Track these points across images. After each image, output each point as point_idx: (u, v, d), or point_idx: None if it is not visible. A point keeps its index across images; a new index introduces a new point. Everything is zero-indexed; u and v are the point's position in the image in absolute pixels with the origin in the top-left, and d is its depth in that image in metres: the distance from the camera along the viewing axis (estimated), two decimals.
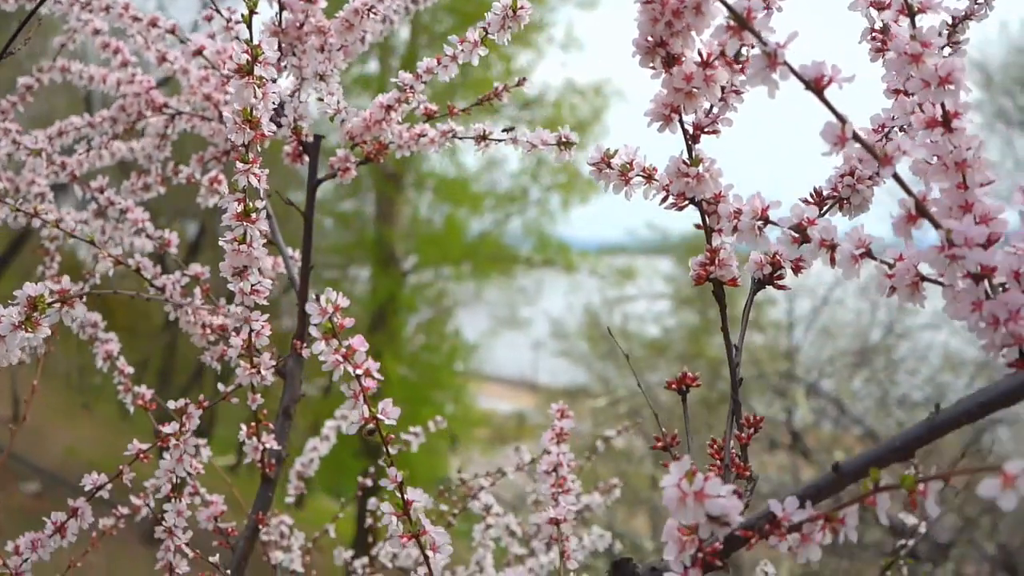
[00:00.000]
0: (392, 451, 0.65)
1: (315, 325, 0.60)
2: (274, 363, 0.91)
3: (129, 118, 1.18)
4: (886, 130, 0.69)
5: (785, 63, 0.50)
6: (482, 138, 0.95)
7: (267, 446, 0.96)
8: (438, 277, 11.77)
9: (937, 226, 0.51)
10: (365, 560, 1.42)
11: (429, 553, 0.64)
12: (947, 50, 0.72)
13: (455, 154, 11.63)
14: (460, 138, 0.97)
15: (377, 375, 0.62)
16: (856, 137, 0.50)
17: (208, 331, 1.01)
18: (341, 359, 0.61)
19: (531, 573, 1.30)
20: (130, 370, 1.10)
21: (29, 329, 0.68)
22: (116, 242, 1.25)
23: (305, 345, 0.96)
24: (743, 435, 0.63)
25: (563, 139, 0.84)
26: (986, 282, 0.52)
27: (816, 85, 0.50)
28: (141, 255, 1.02)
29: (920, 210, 0.51)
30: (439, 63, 0.92)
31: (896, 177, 0.51)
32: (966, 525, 6.04)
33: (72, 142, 1.26)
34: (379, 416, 0.63)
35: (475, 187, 11.69)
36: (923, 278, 0.54)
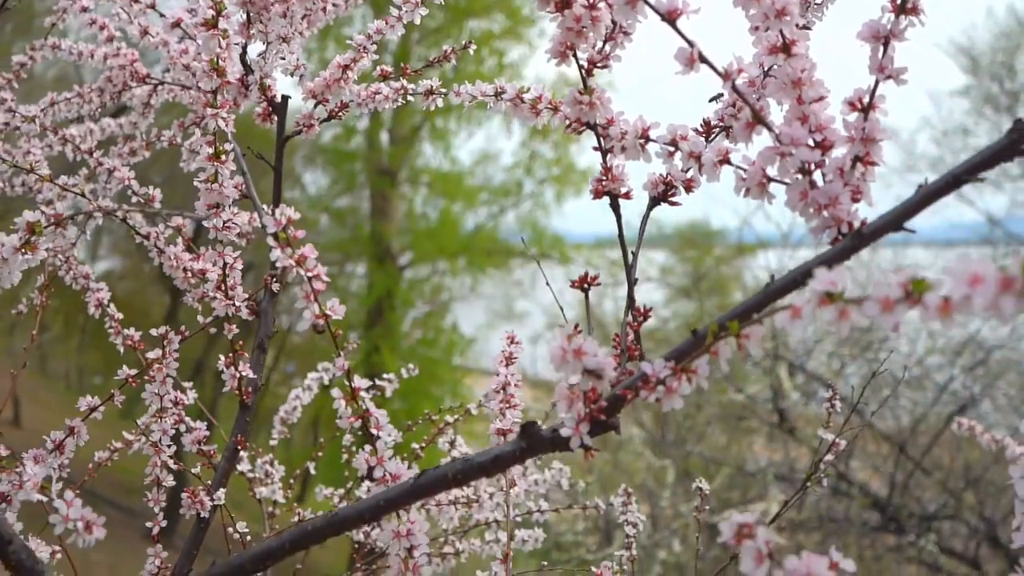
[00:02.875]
0: (342, 347, 0.76)
1: (271, 235, 0.71)
2: (247, 296, 1.02)
3: (115, 89, 1.29)
4: (766, 68, 0.79)
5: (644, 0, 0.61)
6: (430, 92, 1.06)
7: (243, 375, 1.08)
8: (434, 272, 11.87)
9: (770, 130, 0.62)
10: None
11: (374, 431, 0.75)
12: None
13: (449, 149, 11.72)
14: (411, 94, 1.08)
15: (325, 278, 0.73)
16: (702, 58, 0.61)
17: (189, 275, 1.12)
18: (294, 264, 0.72)
19: (498, 507, 1.41)
20: (120, 316, 1.21)
21: (28, 251, 0.79)
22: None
23: (277, 280, 1.07)
24: (635, 323, 0.74)
25: (499, 90, 0.95)
26: (817, 177, 0.63)
27: (670, 16, 0.62)
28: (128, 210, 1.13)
29: (756, 118, 0.62)
30: (387, 23, 1.03)
31: (736, 91, 0.63)
32: (950, 499, 6.17)
33: (65, 113, 1.37)
34: (328, 312, 0.74)
35: (469, 182, 11.79)
36: (769, 179, 0.65)
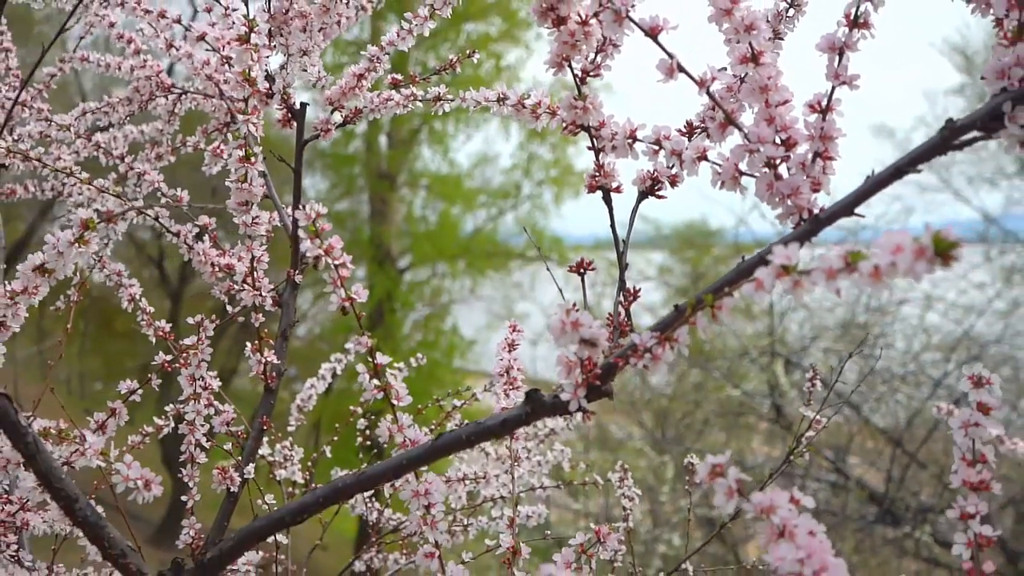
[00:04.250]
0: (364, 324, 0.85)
1: (302, 227, 0.81)
2: (273, 287, 1.11)
3: (142, 98, 1.38)
4: (739, 75, 0.89)
5: (628, 17, 0.70)
6: (437, 99, 1.15)
7: (269, 360, 1.17)
8: (434, 274, 11.95)
9: (740, 129, 0.71)
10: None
11: (394, 402, 0.84)
12: (791, 10, 0.92)
13: (447, 152, 11.82)
14: (420, 100, 1.17)
15: (350, 265, 0.82)
16: (680, 68, 0.71)
17: (216, 270, 1.21)
18: (323, 253, 0.81)
19: (504, 486, 1.50)
20: (151, 309, 1.30)
21: (82, 245, 0.88)
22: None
23: (299, 273, 1.16)
24: (626, 302, 0.83)
25: (501, 96, 1.05)
26: (783, 170, 0.73)
27: (652, 32, 0.71)
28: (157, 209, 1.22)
29: (728, 119, 0.72)
30: (399, 36, 1.12)
31: (710, 96, 0.72)
32: (945, 491, 6.27)
33: (93, 122, 1.47)
34: (353, 296, 0.83)
35: (468, 184, 11.89)
36: (741, 172, 0.75)
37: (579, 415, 0.77)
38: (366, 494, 1.57)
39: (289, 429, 1.59)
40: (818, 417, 1.29)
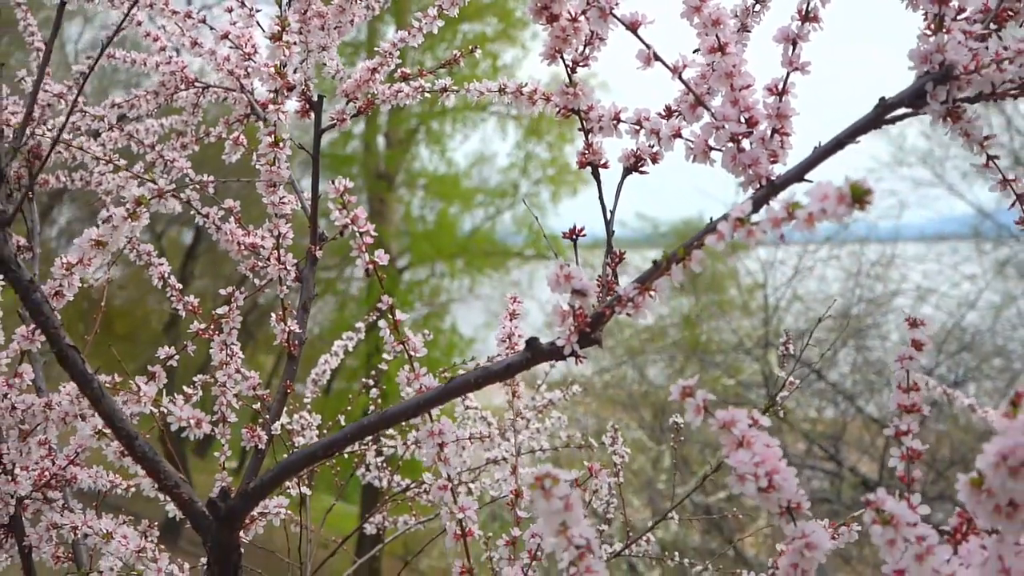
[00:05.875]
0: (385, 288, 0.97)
1: (331, 199, 0.92)
2: (296, 262, 1.23)
3: (167, 91, 1.50)
4: (709, 63, 1.00)
5: (612, 13, 0.82)
6: (444, 90, 1.27)
7: (291, 329, 1.28)
8: (432, 274, 12.07)
9: (708, 110, 0.83)
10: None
11: (411, 352, 0.96)
12: (758, 6, 1.04)
13: (445, 152, 11.93)
14: (428, 92, 1.29)
15: (373, 233, 0.94)
16: (656, 57, 0.82)
17: (242, 248, 1.33)
18: (350, 222, 0.93)
19: (507, 451, 1.62)
20: (179, 286, 1.41)
21: (134, 220, 0.99)
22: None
23: (319, 250, 1.28)
24: (612, 263, 0.95)
25: (502, 87, 1.16)
26: (746, 144, 0.85)
27: (632, 26, 0.83)
28: (187, 192, 1.34)
29: (698, 101, 0.84)
30: (409, 33, 1.24)
31: (683, 81, 0.84)
32: (938, 478, 6.40)
33: (120, 115, 1.58)
34: (376, 259, 0.95)
35: (465, 184, 12.00)
36: (710, 147, 0.86)
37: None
38: (379, 459, 1.69)
39: (305, 401, 1.70)
40: (791, 380, 1.41)
